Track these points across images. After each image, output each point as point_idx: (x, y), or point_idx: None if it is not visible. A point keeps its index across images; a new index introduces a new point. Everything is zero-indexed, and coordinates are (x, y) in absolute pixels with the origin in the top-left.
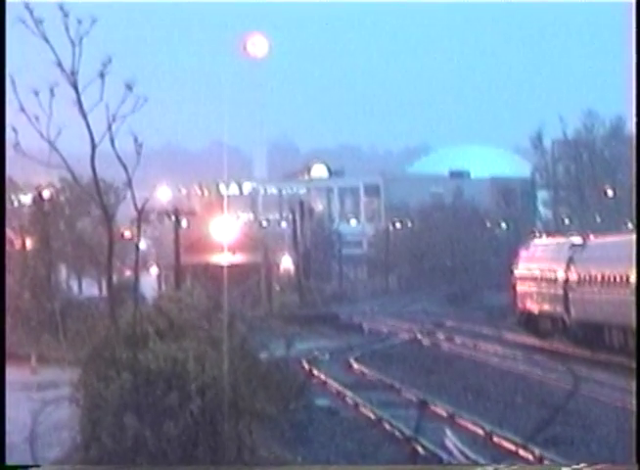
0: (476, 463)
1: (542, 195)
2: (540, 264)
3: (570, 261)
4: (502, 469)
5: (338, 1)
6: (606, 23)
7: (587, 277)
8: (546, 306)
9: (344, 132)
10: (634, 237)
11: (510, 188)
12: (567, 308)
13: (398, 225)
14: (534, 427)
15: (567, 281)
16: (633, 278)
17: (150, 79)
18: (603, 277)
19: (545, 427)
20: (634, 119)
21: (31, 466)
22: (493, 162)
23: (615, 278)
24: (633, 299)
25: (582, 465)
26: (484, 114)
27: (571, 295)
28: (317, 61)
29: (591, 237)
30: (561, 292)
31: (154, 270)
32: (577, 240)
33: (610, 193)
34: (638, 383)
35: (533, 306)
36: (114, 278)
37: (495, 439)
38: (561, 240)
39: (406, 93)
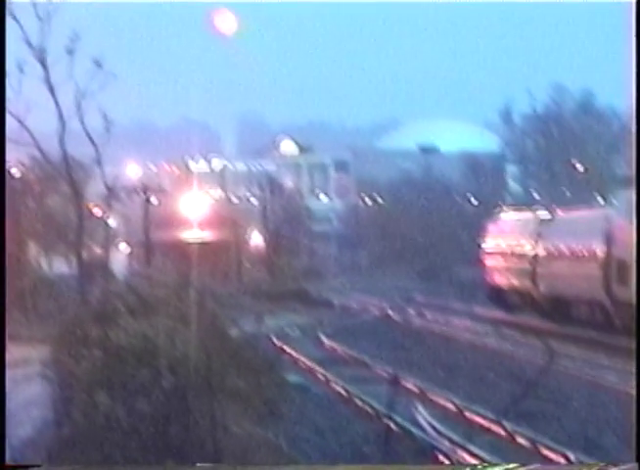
0: (483, 462)
1: (512, 169)
2: (509, 239)
3: (538, 236)
4: (511, 469)
5: None
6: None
7: (555, 252)
8: (515, 281)
9: (313, 108)
10: (603, 212)
11: (479, 162)
12: (535, 283)
13: (368, 201)
14: (507, 401)
15: (535, 256)
16: (601, 252)
17: (118, 56)
18: (570, 252)
19: (519, 401)
20: (634, 117)
21: (31, 466)
22: (462, 136)
23: (582, 253)
24: (601, 273)
25: (582, 465)
26: (453, 88)
27: (539, 269)
28: (286, 37)
29: (559, 212)
30: (529, 266)
31: (123, 247)
32: (546, 214)
33: (579, 167)
34: (638, 380)
35: (502, 281)
36: (84, 255)
37: (467, 414)
38: (529, 214)
39: (374, 68)
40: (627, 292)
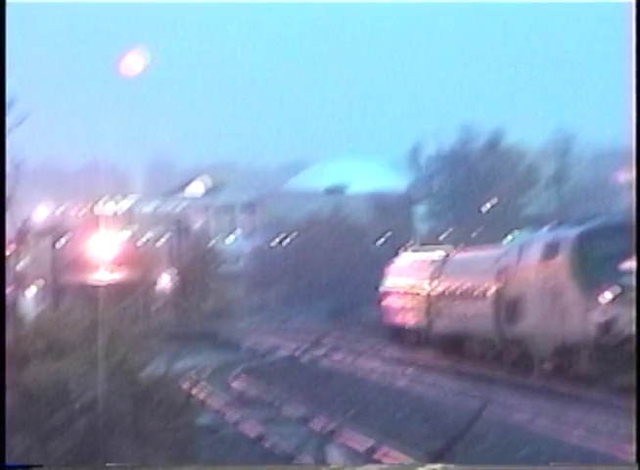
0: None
1: (418, 210)
2: (404, 279)
3: (431, 275)
4: (502, 469)
5: (212, 4)
6: (478, 29)
7: (447, 290)
8: (410, 320)
9: (222, 149)
10: (497, 251)
11: (387, 203)
12: (429, 321)
13: (275, 242)
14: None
15: (428, 295)
16: (490, 291)
17: (27, 97)
18: (462, 290)
19: (451, 444)
20: (634, 122)
21: (32, 466)
22: (370, 177)
23: (473, 291)
24: (490, 310)
25: (583, 466)
26: (361, 129)
27: (432, 308)
28: (193, 76)
29: (453, 251)
30: (423, 305)
31: (31, 290)
32: (439, 254)
33: (485, 207)
34: (638, 383)
35: (398, 320)
36: None
37: (378, 453)
38: (424, 254)
39: (282, 108)
40: (516, 330)
